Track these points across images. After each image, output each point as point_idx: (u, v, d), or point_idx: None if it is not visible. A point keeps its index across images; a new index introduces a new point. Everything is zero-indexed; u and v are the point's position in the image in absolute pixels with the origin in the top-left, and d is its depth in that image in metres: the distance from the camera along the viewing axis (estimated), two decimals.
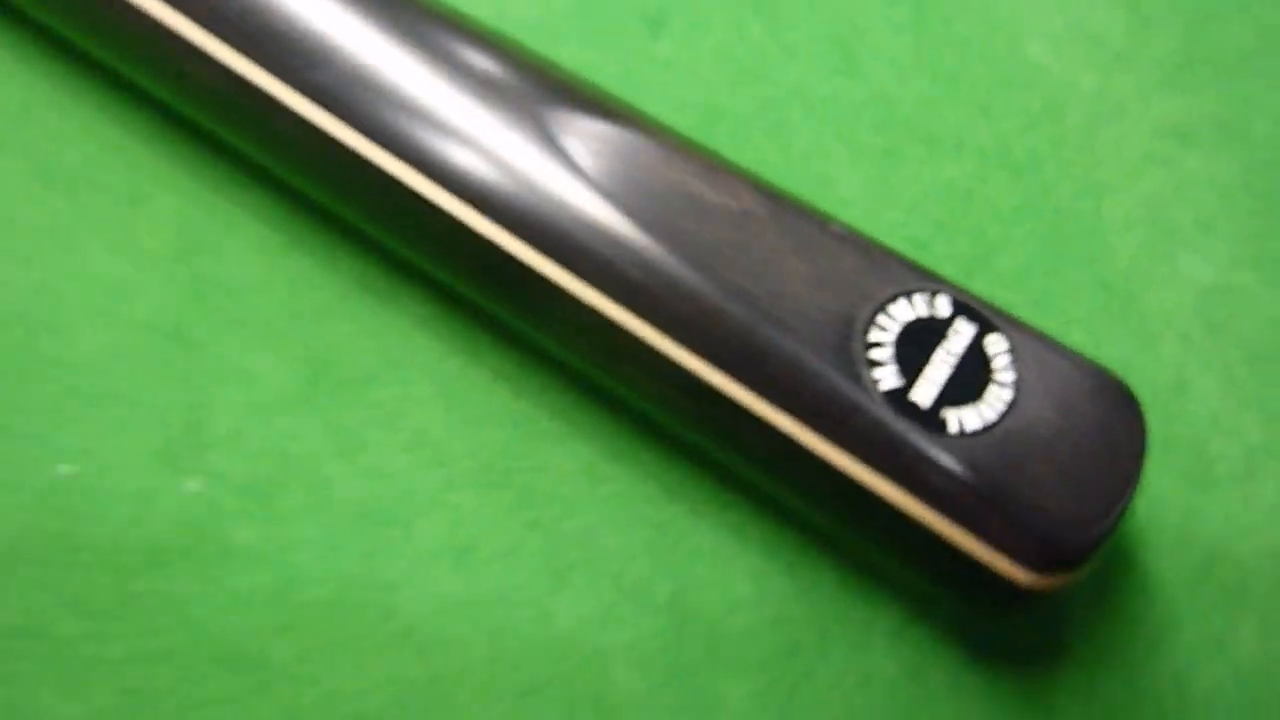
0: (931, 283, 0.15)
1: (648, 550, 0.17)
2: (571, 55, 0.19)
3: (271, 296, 0.19)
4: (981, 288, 0.17)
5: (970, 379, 0.15)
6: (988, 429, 0.14)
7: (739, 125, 0.20)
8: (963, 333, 0.15)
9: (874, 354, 0.15)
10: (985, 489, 0.14)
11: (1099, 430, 0.14)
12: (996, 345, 0.15)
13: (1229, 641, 0.17)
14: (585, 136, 0.16)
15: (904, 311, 0.15)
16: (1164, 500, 0.18)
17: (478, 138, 0.16)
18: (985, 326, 0.15)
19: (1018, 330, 0.15)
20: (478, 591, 0.17)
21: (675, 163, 0.16)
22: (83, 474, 0.17)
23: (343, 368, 0.18)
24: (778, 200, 0.16)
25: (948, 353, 0.15)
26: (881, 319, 0.15)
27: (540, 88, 0.16)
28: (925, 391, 0.14)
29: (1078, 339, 0.18)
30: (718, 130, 0.20)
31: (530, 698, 0.17)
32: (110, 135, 0.20)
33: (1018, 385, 0.15)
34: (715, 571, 0.17)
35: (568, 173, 0.15)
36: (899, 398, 0.14)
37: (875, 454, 0.14)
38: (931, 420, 0.14)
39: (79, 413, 0.18)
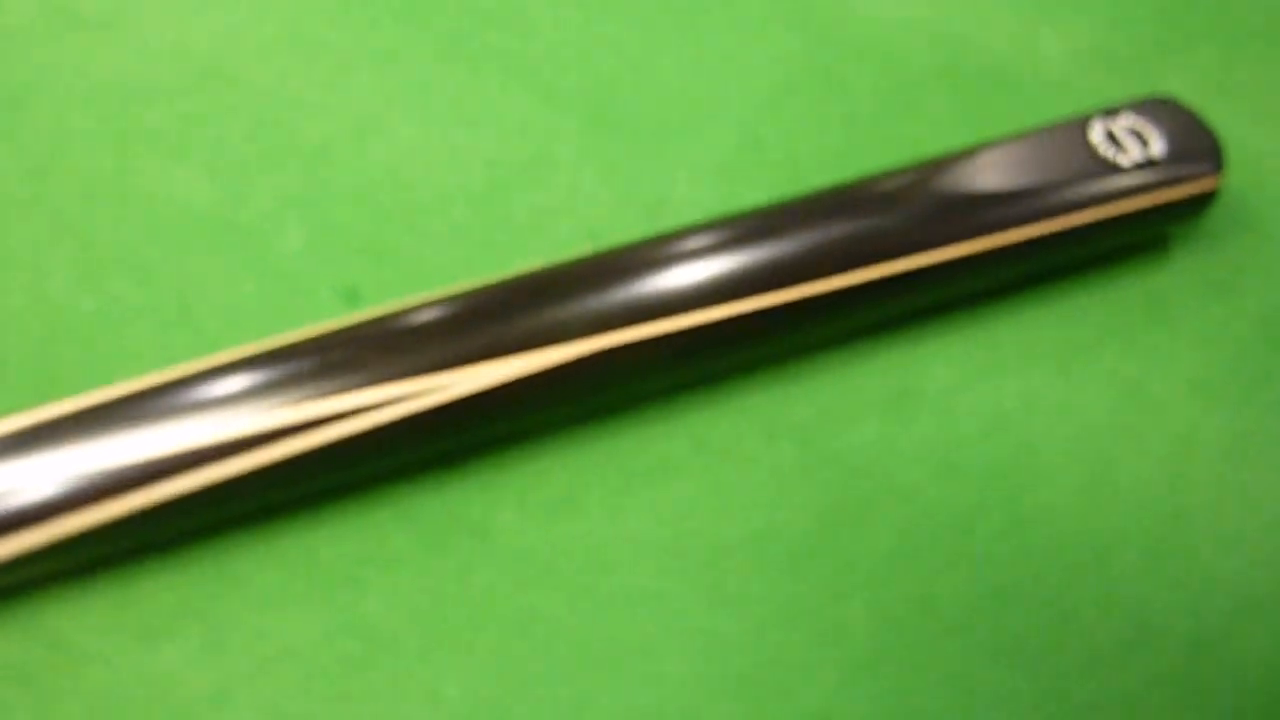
0: (1077, 119, 0.31)
1: None
2: None
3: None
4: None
5: (1140, 137, 0.30)
6: (1165, 150, 0.30)
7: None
8: (1115, 123, 0.30)
9: (1107, 156, 0.30)
10: (1180, 169, 0.30)
11: (1186, 117, 0.31)
12: (1127, 119, 0.31)
13: None
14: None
15: (1095, 134, 0.30)
16: None
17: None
18: (1114, 115, 0.31)
19: (1122, 107, 0.31)
20: None
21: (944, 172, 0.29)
22: None
23: None
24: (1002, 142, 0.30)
25: (1125, 133, 0.30)
26: (1091, 141, 0.30)
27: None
28: (1135, 153, 0.30)
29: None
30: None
31: None
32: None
33: (1155, 126, 0.31)
34: None
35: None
36: (1133, 163, 0.30)
37: (1140, 190, 0.30)
38: (1150, 160, 0.30)
39: None
